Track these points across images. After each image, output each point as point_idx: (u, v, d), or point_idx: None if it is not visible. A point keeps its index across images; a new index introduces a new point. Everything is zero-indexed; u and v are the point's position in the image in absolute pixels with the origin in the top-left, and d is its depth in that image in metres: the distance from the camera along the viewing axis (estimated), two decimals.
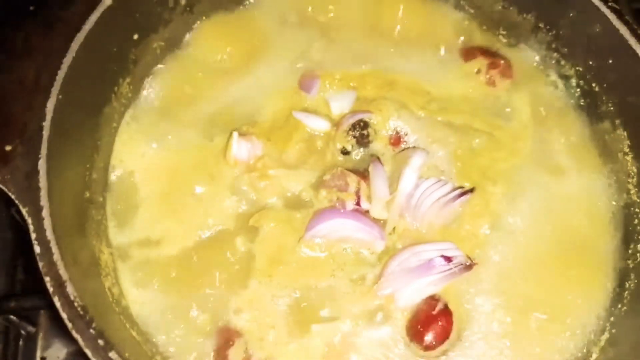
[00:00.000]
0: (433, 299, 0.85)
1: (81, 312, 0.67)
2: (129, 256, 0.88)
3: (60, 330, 1.10)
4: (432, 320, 0.83)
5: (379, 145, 0.97)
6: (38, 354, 1.10)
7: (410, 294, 0.85)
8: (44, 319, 1.12)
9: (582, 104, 1.01)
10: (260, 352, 0.83)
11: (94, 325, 0.67)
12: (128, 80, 0.95)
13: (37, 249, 0.70)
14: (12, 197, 0.73)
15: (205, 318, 0.85)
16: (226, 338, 0.83)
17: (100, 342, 0.66)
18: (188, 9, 1.01)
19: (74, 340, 1.07)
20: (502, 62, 1.03)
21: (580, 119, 1.01)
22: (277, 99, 1.00)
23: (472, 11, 1.08)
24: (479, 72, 1.02)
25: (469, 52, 1.05)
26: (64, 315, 0.67)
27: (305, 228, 0.89)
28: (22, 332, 1.09)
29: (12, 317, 1.06)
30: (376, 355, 0.84)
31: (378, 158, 0.94)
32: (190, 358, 0.82)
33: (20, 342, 1.09)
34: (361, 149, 0.97)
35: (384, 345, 0.84)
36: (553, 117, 1.01)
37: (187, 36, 1.04)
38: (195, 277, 0.87)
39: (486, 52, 1.05)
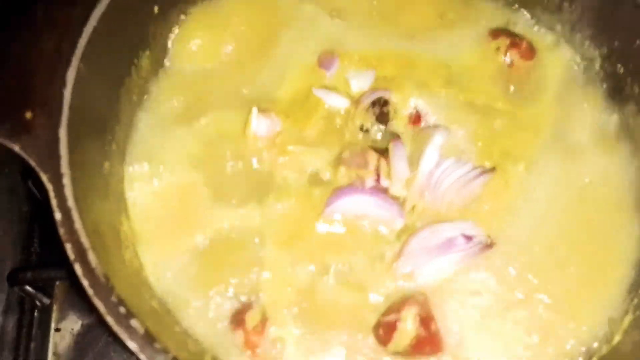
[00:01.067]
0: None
1: (102, 280, 0.67)
2: (149, 232, 0.88)
3: (75, 302, 1.11)
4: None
5: (398, 124, 0.96)
6: (52, 326, 1.11)
7: (430, 272, 0.84)
8: (59, 290, 1.12)
9: (605, 86, 1.00)
10: (276, 320, 0.84)
11: (115, 293, 0.67)
12: (147, 53, 0.94)
13: (57, 216, 0.69)
14: (33, 164, 0.72)
15: (226, 289, 0.85)
16: (244, 306, 0.83)
17: (122, 309, 0.66)
18: None
19: (88, 313, 1.11)
20: (524, 43, 1.01)
21: (604, 101, 0.99)
22: (296, 76, 0.99)
23: None
24: (498, 50, 1.00)
25: (490, 33, 1.03)
26: (85, 283, 0.67)
27: (323, 205, 0.89)
28: (37, 303, 1.10)
29: (27, 287, 1.07)
30: None
31: (398, 136, 0.93)
32: (210, 328, 0.82)
33: (35, 313, 1.10)
34: (381, 127, 0.96)
35: None
36: (576, 98, 0.99)
37: (207, 10, 1.02)
38: (216, 251, 0.87)
39: (508, 32, 1.03)
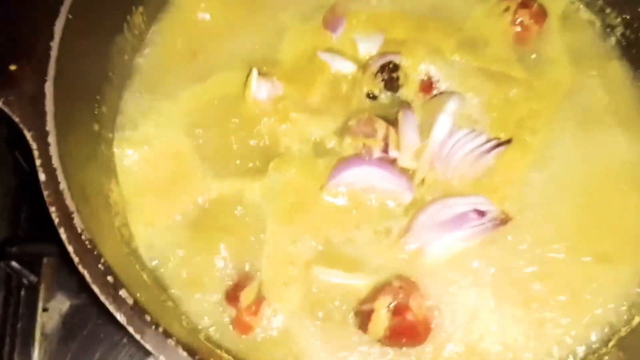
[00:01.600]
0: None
1: (89, 246, 0.61)
2: (140, 199, 0.82)
3: (64, 281, 1.06)
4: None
5: (408, 91, 0.91)
6: (40, 305, 1.05)
7: (439, 249, 0.79)
8: (46, 268, 1.06)
9: (627, 54, 0.94)
10: (273, 296, 0.79)
11: (102, 260, 0.61)
12: (141, 10, 0.89)
13: (42, 177, 0.64)
14: (16, 120, 0.67)
15: (221, 263, 0.80)
16: (239, 281, 0.79)
17: (110, 278, 0.60)
18: None
19: (78, 293, 1.05)
20: (534, 4, 0.94)
21: (625, 70, 0.94)
22: (299, 38, 0.93)
23: None
24: (507, 10, 0.94)
25: None
26: (70, 249, 0.61)
27: (328, 176, 0.84)
28: (24, 281, 1.04)
29: (13, 263, 1.01)
30: None
31: (408, 104, 0.87)
32: (203, 303, 0.77)
33: (22, 292, 1.04)
34: (390, 94, 0.90)
35: None
36: (595, 68, 0.94)
37: None
38: (211, 222, 0.82)
39: None
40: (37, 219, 1.10)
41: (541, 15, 0.95)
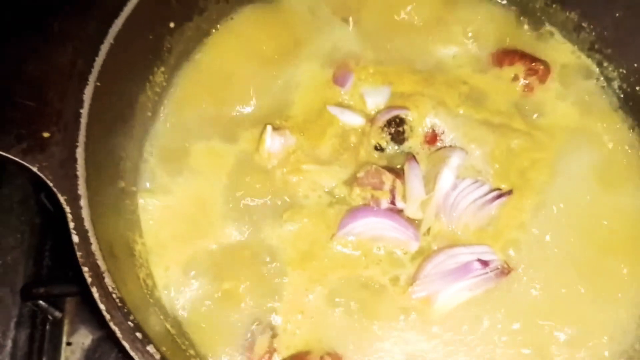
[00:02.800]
0: None
1: (119, 304, 0.66)
2: (162, 247, 0.87)
3: (85, 316, 1.11)
4: None
5: (414, 142, 0.95)
6: (64, 339, 1.10)
7: (446, 297, 0.83)
8: (70, 304, 1.12)
9: (624, 106, 0.98)
10: (286, 347, 0.83)
11: (131, 317, 0.66)
12: (162, 69, 0.94)
13: (75, 239, 0.69)
14: (50, 185, 0.72)
15: (238, 311, 0.84)
16: (255, 331, 0.83)
17: (138, 334, 0.65)
18: None
19: (99, 327, 1.10)
20: (541, 67, 0.99)
21: (624, 122, 0.98)
22: (310, 92, 0.98)
23: (513, 7, 1.05)
24: (516, 79, 0.99)
25: (507, 54, 1.01)
26: (102, 307, 0.66)
27: (338, 225, 0.88)
28: (49, 317, 1.10)
29: (40, 302, 1.07)
30: None
31: (414, 156, 0.92)
32: (223, 350, 0.81)
33: (47, 327, 1.09)
34: (396, 146, 0.95)
35: None
36: (594, 119, 0.98)
37: (220, 27, 1.02)
38: (228, 271, 0.86)
39: (524, 55, 1.00)
40: (60, 257, 1.16)
41: (546, 74, 0.99)
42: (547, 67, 0.99)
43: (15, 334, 1.07)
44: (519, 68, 0.98)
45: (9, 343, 1.06)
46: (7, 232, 1.13)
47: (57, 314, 1.10)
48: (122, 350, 1.04)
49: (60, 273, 1.13)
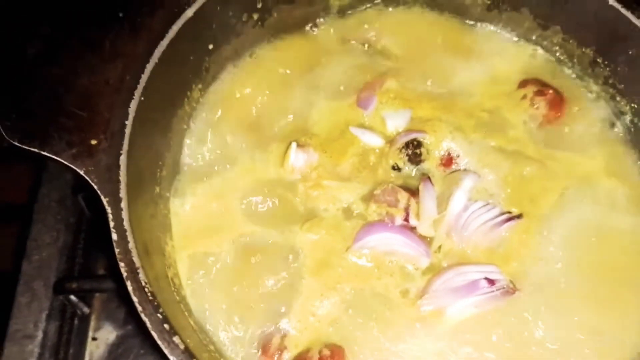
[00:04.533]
0: None
1: (150, 298, 0.73)
2: (188, 249, 0.94)
3: (111, 313, 1.18)
4: None
5: (430, 164, 1.00)
6: (90, 334, 1.17)
7: (452, 312, 0.87)
8: (97, 301, 1.19)
9: (635, 140, 1.02)
10: (295, 345, 0.88)
11: (161, 310, 0.72)
12: (200, 86, 1.02)
13: (114, 237, 0.76)
14: (95, 187, 0.79)
15: (254, 311, 0.89)
16: (271, 332, 0.88)
17: (166, 326, 0.72)
18: (259, 23, 1.07)
19: (123, 324, 1.17)
20: (551, 91, 1.04)
21: (634, 155, 1.02)
22: (334, 113, 1.05)
23: (531, 46, 1.10)
24: (525, 97, 1.04)
25: (521, 82, 1.07)
26: (134, 299, 0.73)
27: (353, 238, 0.94)
28: (78, 312, 1.16)
29: (71, 297, 1.13)
30: None
31: (429, 177, 0.97)
32: (240, 348, 0.87)
33: (75, 321, 1.16)
34: (412, 167, 1.00)
35: None
36: (606, 152, 1.02)
37: (255, 50, 1.10)
38: (248, 276, 0.92)
39: (536, 81, 1.06)
40: (91, 255, 1.23)
41: (558, 101, 1.03)
42: (560, 96, 1.04)
43: (46, 325, 1.12)
44: (530, 89, 1.04)
45: (40, 334, 1.12)
46: (44, 230, 1.20)
47: (86, 309, 1.17)
48: (145, 345, 1.12)
49: (91, 270, 1.21)
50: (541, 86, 1.05)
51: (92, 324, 1.18)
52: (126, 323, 1.18)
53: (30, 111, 0.83)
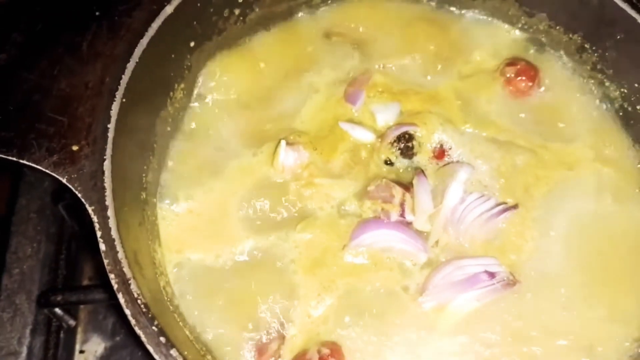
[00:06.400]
0: None
1: (144, 310, 0.69)
2: (179, 256, 0.91)
3: (98, 325, 1.14)
4: None
5: (422, 158, 0.99)
6: (77, 347, 1.13)
7: (454, 307, 0.86)
8: (83, 313, 1.15)
9: (626, 125, 1.02)
10: (290, 350, 0.86)
11: (156, 322, 0.69)
12: (182, 85, 0.99)
13: (102, 247, 0.72)
14: (79, 195, 0.76)
15: (250, 315, 0.87)
16: (267, 336, 0.86)
17: (162, 339, 0.69)
18: (241, 18, 1.04)
19: (111, 336, 1.13)
20: (521, 62, 1.04)
21: (625, 140, 1.02)
22: (323, 109, 1.03)
23: (516, 31, 1.10)
24: (498, 69, 1.04)
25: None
26: (127, 312, 0.69)
27: (349, 235, 0.92)
28: (64, 325, 1.12)
29: (56, 310, 1.09)
30: None
31: (422, 171, 0.96)
32: (237, 353, 0.84)
33: (61, 335, 1.11)
34: (405, 161, 0.99)
35: None
36: (598, 139, 1.01)
37: (238, 46, 1.07)
38: (241, 280, 0.89)
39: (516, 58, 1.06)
40: (74, 266, 1.19)
41: (530, 71, 1.04)
42: (529, 65, 1.04)
43: (31, 340, 1.09)
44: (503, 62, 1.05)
45: (25, 350, 1.08)
46: (24, 241, 1.16)
47: (72, 322, 1.13)
48: (134, 356, 1.09)
49: (75, 281, 1.16)
50: (513, 59, 1.05)
51: (79, 336, 1.14)
52: (114, 334, 1.14)
53: (6, 119, 0.79)
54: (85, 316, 1.15)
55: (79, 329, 1.14)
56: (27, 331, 1.09)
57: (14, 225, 1.14)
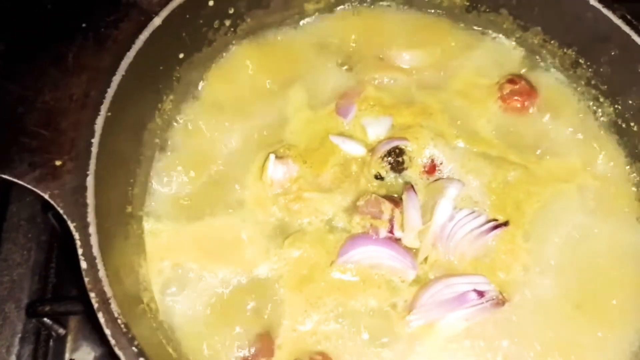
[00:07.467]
0: None
1: (124, 330, 0.69)
2: (164, 271, 0.90)
3: (88, 333, 1.13)
4: None
5: (413, 173, 0.98)
6: (67, 356, 1.12)
7: (442, 327, 0.85)
8: (73, 322, 1.14)
9: (620, 141, 1.01)
10: None
11: (136, 343, 0.69)
12: (171, 97, 0.98)
13: (83, 265, 0.72)
14: (61, 212, 0.75)
15: (235, 333, 0.86)
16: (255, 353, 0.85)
17: None
18: (232, 29, 1.03)
19: (101, 345, 1.13)
20: (521, 81, 1.02)
21: (618, 157, 1.00)
22: (313, 122, 1.02)
23: (512, 43, 1.08)
24: (497, 84, 1.02)
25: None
26: (107, 332, 0.69)
27: (337, 251, 0.91)
28: (53, 333, 1.11)
29: (45, 319, 1.09)
30: None
31: (412, 186, 0.95)
32: None
33: (51, 343, 1.11)
34: (395, 176, 0.98)
35: None
36: (590, 154, 1.00)
37: (228, 57, 1.06)
38: (228, 296, 0.89)
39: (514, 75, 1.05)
40: (65, 274, 1.18)
41: (529, 91, 1.02)
42: (528, 84, 1.02)
43: (19, 349, 1.09)
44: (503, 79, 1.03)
45: (13, 358, 1.08)
46: (14, 249, 1.15)
47: (61, 330, 1.12)
48: None
49: (64, 290, 1.16)
50: (515, 77, 1.04)
51: (69, 345, 1.13)
52: (105, 342, 1.12)
53: None
54: (75, 325, 1.14)
55: (69, 338, 1.13)
56: (16, 340, 1.09)
57: (4, 232, 1.14)
